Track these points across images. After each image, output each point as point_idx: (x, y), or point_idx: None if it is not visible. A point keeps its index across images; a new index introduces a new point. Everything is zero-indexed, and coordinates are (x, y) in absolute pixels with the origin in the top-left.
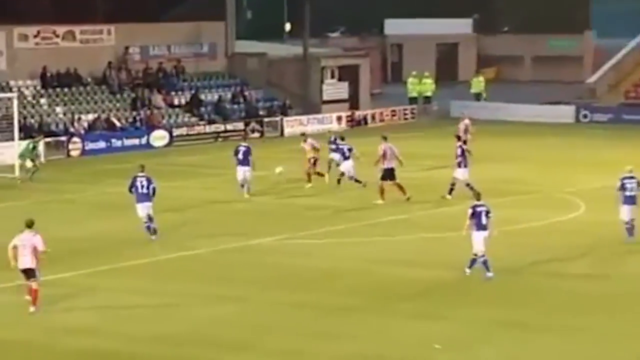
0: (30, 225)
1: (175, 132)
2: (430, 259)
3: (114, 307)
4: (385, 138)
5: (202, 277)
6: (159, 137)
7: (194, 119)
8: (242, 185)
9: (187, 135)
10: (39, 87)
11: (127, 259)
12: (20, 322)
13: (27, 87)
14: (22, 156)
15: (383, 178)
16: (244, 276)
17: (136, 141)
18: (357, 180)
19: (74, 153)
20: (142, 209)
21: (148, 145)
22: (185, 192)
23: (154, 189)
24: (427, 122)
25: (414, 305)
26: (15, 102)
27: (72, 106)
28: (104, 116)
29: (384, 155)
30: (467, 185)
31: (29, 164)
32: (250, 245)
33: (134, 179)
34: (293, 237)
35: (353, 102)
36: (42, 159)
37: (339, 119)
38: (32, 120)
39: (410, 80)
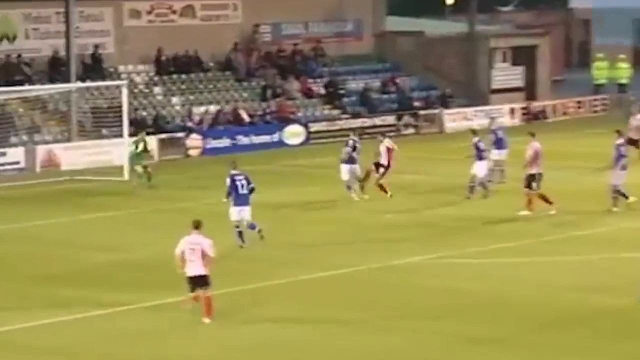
0: (197, 226)
1: (312, 127)
2: (604, 281)
3: (258, 333)
4: (533, 135)
5: (346, 301)
6: (293, 134)
7: (334, 112)
8: (349, 187)
9: (327, 131)
10: (152, 74)
11: (263, 278)
12: (191, 337)
13: (138, 74)
14: (131, 160)
15: (528, 185)
16: (391, 301)
17: (267, 138)
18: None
19: (193, 152)
20: (240, 213)
21: (280, 143)
22: (321, 200)
23: (252, 189)
24: (621, 116)
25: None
26: (125, 91)
27: (191, 96)
28: (228, 108)
29: (535, 157)
30: (617, 191)
31: (139, 169)
32: (396, 265)
33: (232, 178)
34: (442, 256)
35: (529, 91)
36: (155, 157)
37: (512, 111)
38: (144, 113)
39: (597, 64)
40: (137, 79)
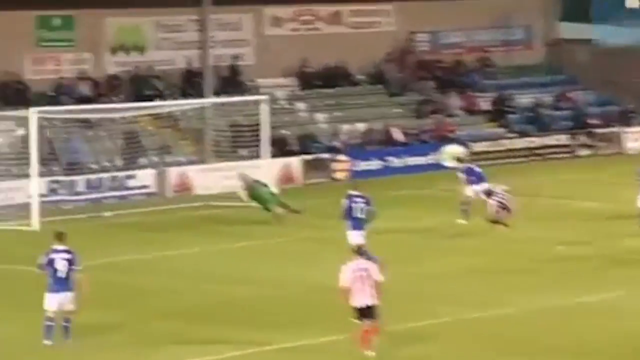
0: (360, 251)
1: (475, 147)
2: None
3: None
4: None
5: (516, 347)
6: (451, 155)
7: (499, 130)
8: (465, 210)
9: (490, 152)
10: (295, 88)
11: (419, 316)
12: None
13: (280, 88)
14: (266, 202)
15: None
16: (576, 347)
17: (422, 159)
18: None
19: (340, 175)
20: (356, 238)
21: (437, 165)
22: (479, 228)
23: (371, 213)
24: None
25: None
26: (265, 107)
27: (338, 113)
28: (379, 126)
29: None
30: None
31: (278, 210)
32: (576, 303)
33: (350, 200)
34: (623, 295)
35: None
36: (299, 180)
37: None
38: (286, 132)
39: None
40: (279, 93)
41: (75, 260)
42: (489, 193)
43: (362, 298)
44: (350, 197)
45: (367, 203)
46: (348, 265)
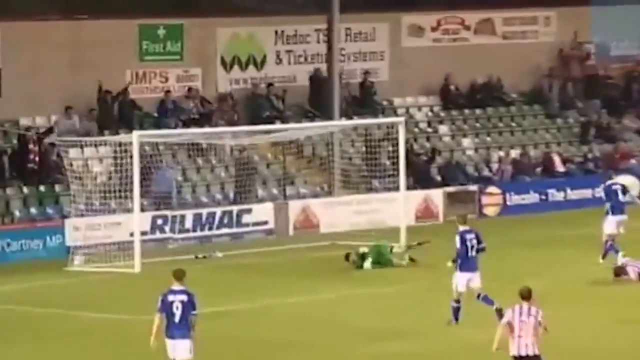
0: (528, 295)
1: None
2: None
3: None
4: None
5: None
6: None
7: None
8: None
9: None
10: (437, 108)
11: None
12: None
13: (419, 108)
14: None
15: None
16: None
17: (587, 193)
18: None
19: (490, 210)
20: (469, 283)
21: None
22: None
23: (482, 249)
24: None
25: None
26: (402, 131)
27: (487, 137)
28: (536, 153)
29: None
30: None
31: (403, 261)
32: None
33: (462, 237)
34: None
35: None
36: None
37: None
38: (423, 157)
39: None
40: (418, 115)
41: (192, 303)
42: None
43: (522, 346)
44: (461, 233)
45: (478, 239)
46: (515, 307)
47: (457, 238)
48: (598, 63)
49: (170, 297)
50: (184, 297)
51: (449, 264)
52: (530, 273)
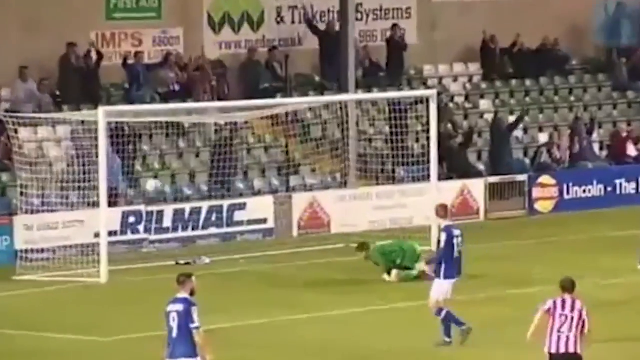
0: (572, 287)
1: None
2: None
3: None
4: None
5: None
6: None
7: None
8: None
9: None
10: (477, 78)
11: None
12: None
13: (454, 78)
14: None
15: None
16: None
17: None
18: None
19: (542, 206)
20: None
21: None
22: None
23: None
24: None
25: None
26: (434, 106)
27: (540, 114)
28: (601, 134)
29: None
30: None
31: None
32: None
33: (449, 233)
34: None
35: None
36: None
37: None
38: (458, 140)
39: None
40: (453, 86)
41: (188, 313)
42: None
43: (562, 344)
44: (447, 229)
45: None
46: (556, 299)
47: (443, 235)
48: None
49: (169, 308)
50: (180, 307)
51: (422, 265)
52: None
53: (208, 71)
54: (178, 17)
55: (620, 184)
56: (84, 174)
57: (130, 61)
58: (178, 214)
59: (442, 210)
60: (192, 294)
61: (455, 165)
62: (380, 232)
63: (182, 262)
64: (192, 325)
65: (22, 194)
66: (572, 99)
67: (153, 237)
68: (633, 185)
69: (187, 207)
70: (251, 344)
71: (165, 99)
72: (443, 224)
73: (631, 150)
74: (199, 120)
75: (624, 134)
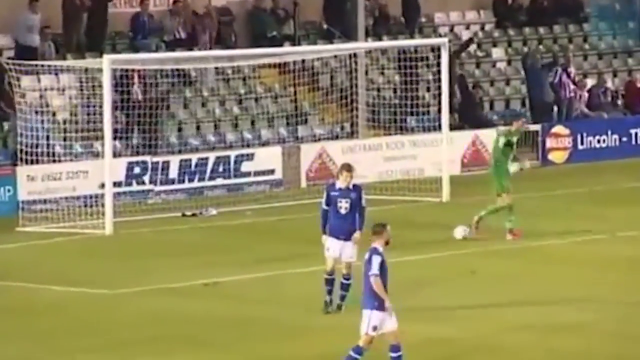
0: None
1: None
2: None
3: None
4: None
5: None
6: None
7: None
8: None
9: None
10: (489, 26)
11: None
12: None
13: (467, 26)
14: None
15: None
16: None
17: None
18: None
19: (555, 156)
20: (337, 250)
21: None
22: None
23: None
24: None
25: None
26: (445, 55)
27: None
28: (616, 83)
29: None
30: None
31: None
32: None
33: (328, 191)
34: None
35: None
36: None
37: None
38: (473, 92)
39: None
40: (465, 34)
41: (369, 261)
42: None
43: None
44: (328, 187)
45: (360, 197)
46: None
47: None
48: None
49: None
50: (367, 255)
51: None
52: (602, 232)
53: (214, 19)
54: None
55: (636, 134)
56: (89, 123)
57: (136, 9)
58: (184, 164)
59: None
60: (387, 243)
61: (467, 115)
62: (391, 183)
63: (188, 213)
64: (369, 272)
65: (24, 143)
66: (587, 46)
67: (159, 188)
68: None
69: (194, 157)
70: (255, 298)
71: (171, 47)
72: (330, 181)
73: None
74: (205, 66)
75: (639, 84)
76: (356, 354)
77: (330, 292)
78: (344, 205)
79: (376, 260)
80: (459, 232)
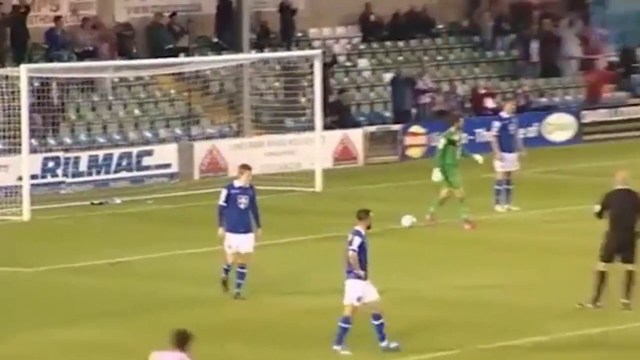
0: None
1: (588, 117)
2: None
3: None
4: None
5: None
6: (558, 127)
7: (620, 95)
8: None
9: (608, 122)
10: (356, 40)
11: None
12: None
13: (337, 40)
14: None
15: None
16: None
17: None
18: None
19: (412, 152)
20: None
21: (540, 140)
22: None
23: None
24: None
25: None
26: (318, 65)
27: (414, 72)
28: (464, 89)
29: None
30: None
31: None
32: None
33: (229, 190)
34: None
35: None
36: (360, 160)
37: None
38: (338, 96)
39: None
40: (336, 47)
41: (351, 241)
42: None
43: None
44: (230, 187)
45: (255, 194)
46: None
47: (224, 191)
48: None
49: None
50: (350, 236)
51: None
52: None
53: (112, 33)
54: None
55: (479, 133)
56: (9, 123)
57: (51, 24)
58: (92, 159)
59: (240, 169)
60: (368, 227)
61: (337, 117)
62: (272, 176)
63: (96, 202)
64: (349, 247)
65: None
66: (440, 57)
67: (70, 180)
68: (486, 133)
69: (101, 153)
70: (152, 274)
71: (81, 58)
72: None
73: (489, 104)
74: (113, 76)
75: (482, 91)
76: (346, 323)
77: (227, 273)
78: (243, 201)
79: (357, 240)
80: (406, 220)
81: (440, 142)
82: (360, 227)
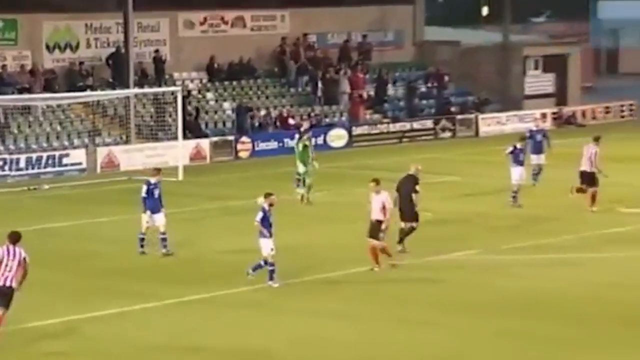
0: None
1: (355, 131)
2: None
3: (306, 334)
4: (597, 139)
5: (386, 298)
6: (337, 137)
7: (376, 117)
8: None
9: (369, 134)
10: (205, 80)
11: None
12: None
13: (192, 80)
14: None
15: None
16: (425, 298)
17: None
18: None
19: (242, 154)
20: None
21: (325, 146)
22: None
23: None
24: None
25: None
26: (179, 96)
27: (242, 101)
28: (275, 113)
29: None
30: None
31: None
32: (434, 261)
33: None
34: (478, 252)
35: (560, 97)
36: (207, 159)
37: (544, 116)
38: (192, 117)
39: None
40: (191, 85)
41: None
42: None
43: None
44: (148, 182)
45: (161, 187)
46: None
47: (144, 186)
48: (320, 48)
49: None
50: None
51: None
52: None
53: (42, 76)
54: (28, 44)
55: (286, 141)
56: None
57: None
58: (29, 159)
59: (154, 171)
60: (271, 205)
61: (192, 131)
62: (149, 170)
63: (31, 188)
64: (256, 219)
65: None
66: (259, 92)
67: (14, 173)
68: (291, 142)
69: (34, 155)
70: (70, 237)
71: (20, 92)
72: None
73: (291, 122)
74: (42, 104)
75: (286, 114)
76: (265, 264)
77: (142, 244)
78: (157, 192)
79: (259, 214)
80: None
81: (299, 146)
82: (265, 204)
